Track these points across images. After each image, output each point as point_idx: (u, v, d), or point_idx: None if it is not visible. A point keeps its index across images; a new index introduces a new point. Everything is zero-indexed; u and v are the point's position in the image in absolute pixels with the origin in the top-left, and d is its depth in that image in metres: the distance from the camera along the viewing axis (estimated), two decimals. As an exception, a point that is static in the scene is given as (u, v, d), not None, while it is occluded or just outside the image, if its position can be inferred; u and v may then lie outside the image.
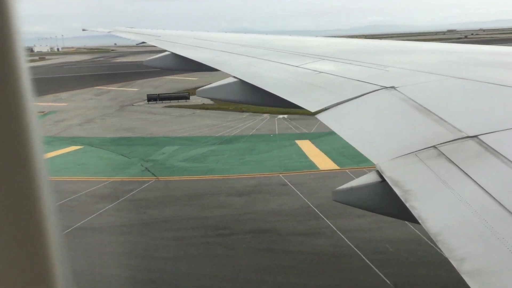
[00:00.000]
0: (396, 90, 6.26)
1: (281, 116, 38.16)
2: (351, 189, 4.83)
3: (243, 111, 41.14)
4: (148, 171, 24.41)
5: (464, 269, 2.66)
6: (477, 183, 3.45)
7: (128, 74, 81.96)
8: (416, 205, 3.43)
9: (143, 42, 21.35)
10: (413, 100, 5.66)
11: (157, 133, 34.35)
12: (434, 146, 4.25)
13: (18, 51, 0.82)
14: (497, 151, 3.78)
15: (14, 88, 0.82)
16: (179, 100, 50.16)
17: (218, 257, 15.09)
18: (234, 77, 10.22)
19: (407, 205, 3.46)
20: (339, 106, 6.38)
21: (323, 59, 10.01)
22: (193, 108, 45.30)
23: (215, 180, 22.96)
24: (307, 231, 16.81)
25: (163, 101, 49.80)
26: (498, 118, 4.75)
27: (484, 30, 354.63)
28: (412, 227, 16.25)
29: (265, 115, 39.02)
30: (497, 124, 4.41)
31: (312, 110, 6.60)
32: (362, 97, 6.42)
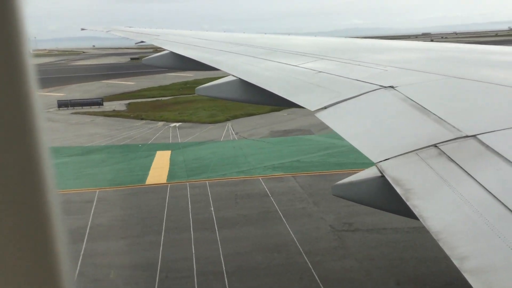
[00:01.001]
0: (395, 89, 6.29)
1: (173, 124, 37.84)
2: (351, 183, 4.87)
3: (142, 119, 40.44)
4: None
5: (465, 267, 2.69)
6: (478, 182, 3.48)
7: (69, 78, 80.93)
8: (417, 204, 3.45)
9: (142, 42, 21.27)
10: (411, 100, 5.70)
11: None
12: (434, 145, 4.28)
13: (24, 51, 0.80)
14: (495, 151, 3.82)
15: (21, 89, 0.80)
16: (92, 106, 48.07)
17: None
18: (233, 75, 10.23)
19: (408, 204, 3.49)
20: (338, 105, 6.40)
21: (322, 59, 10.03)
22: (97, 115, 43.75)
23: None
24: None
25: (75, 107, 47.55)
26: (495, 117, 4.79)
27: (456, 34, 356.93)
28: (162, 251, 15.39)
29: (160, 123, 38.45)
30: (495, 124, 4.45)
31: (312, 109, 6.63)
32: (361, 96, 6.45)
